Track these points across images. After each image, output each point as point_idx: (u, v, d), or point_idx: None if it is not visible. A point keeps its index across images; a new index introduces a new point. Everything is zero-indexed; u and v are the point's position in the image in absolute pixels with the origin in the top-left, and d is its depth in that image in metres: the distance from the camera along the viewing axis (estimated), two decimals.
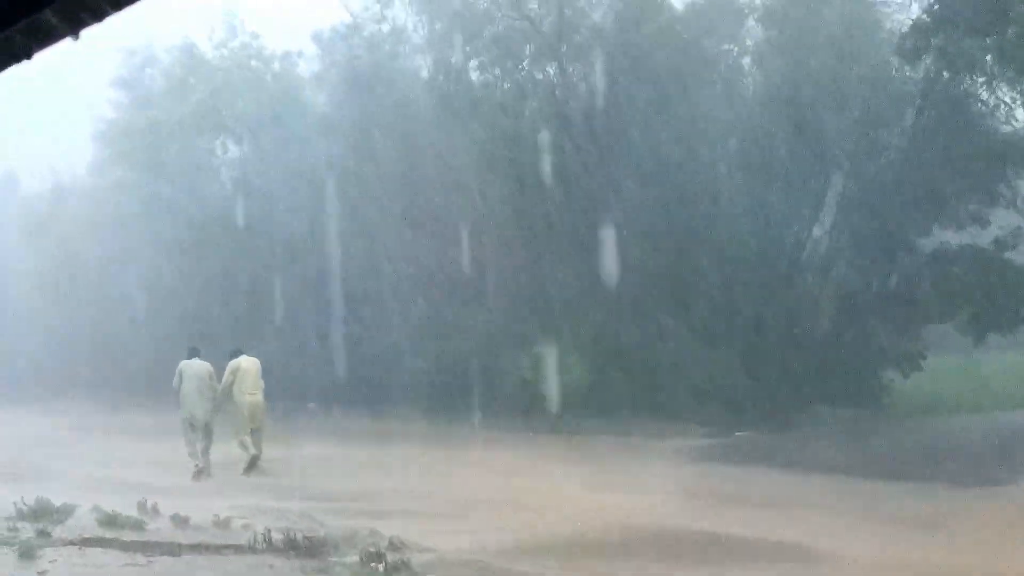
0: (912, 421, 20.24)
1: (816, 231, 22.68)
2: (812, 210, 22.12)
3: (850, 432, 19.24)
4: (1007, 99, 20.58)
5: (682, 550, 9.98)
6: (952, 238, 21.33)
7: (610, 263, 22.52)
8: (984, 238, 20.89)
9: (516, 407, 22.29)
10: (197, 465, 15.73)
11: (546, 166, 22.92)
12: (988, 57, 19.57)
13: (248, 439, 16.07)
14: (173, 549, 9.04)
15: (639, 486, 14.39)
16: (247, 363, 16.60)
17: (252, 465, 15.88)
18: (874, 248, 21.26)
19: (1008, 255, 20.38)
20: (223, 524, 10.37)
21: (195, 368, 16.31)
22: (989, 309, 20.44)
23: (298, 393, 27.69)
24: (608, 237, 22.48)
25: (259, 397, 16.41)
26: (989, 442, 16.52)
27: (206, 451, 16.00)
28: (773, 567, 9.19)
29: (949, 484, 13.50)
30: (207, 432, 16.01)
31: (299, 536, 9.28)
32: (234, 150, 31.10)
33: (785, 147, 21.19)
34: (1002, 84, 20.32)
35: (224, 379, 16.24)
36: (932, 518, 11.59)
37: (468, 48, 25.18)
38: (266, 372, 25.92)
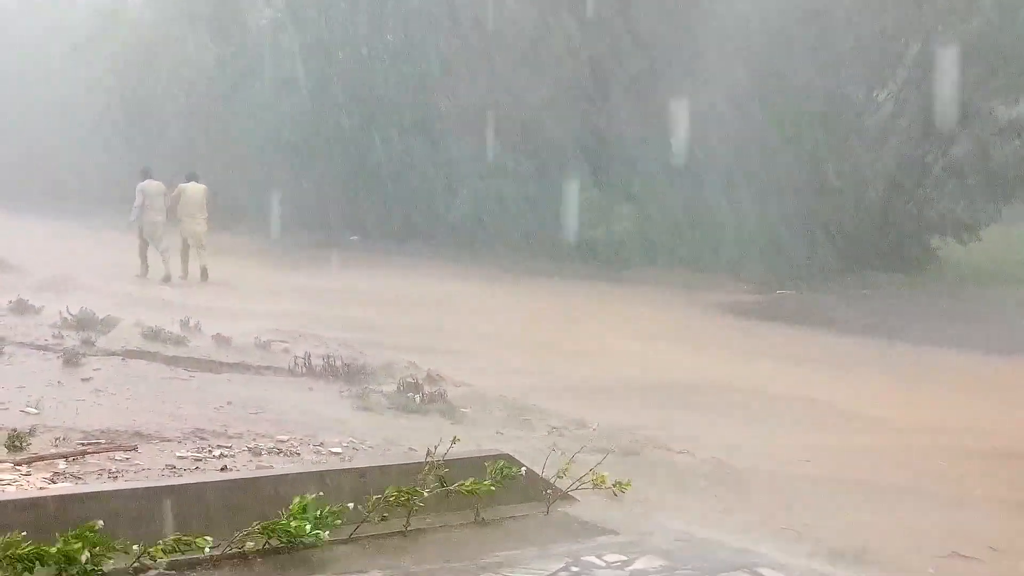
0: (957, 288, 20.03)
1: (882, 94, 21.96)
2: (885, 71, 21.31)
3: (893, 296, 19.09)
4: None
5: (708, 400, 9.96)
6: None
7: (667, 116, 22.02)
8: None
9: (561, 251, 22.22)
10: (145, 269, 17.90)
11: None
12: None
13: (186, 255, 17.88)
14: (214, 367, 9.16)
15: (678, 336, 14.39)
16: (192, 188, 18.14)
17: (167, 279, 17.57)
18: (942, 115, 20.56)
19: None
20: (264, 346, 10.48)
21: (150, 187, 18.04)
22: None
23: (342, 225, 27.81)
24: (667, 89, 21.92)
25: (199, 220, 17.92)
26: None
27: (163, 257, 17.81)
28: (796, 420, 9.16)
29: (986, 350, 13.45)
30: (158, 241, 17.93)
31: (338, 363, 9.36)
32: None
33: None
34: None
35: (171, 198, 17.98)
36: (965, 382, 11.54)
37: None
38: (310, 204, 26.01)
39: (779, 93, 21.03)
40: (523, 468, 5.16)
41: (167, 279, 17.50)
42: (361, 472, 4.88)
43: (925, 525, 6.13)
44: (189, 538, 3.89)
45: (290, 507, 4.29)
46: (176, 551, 3.86)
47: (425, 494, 4.68)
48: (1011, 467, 7.78)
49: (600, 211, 21.81)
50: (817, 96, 21.16)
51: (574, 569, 4.44)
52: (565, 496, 5.31)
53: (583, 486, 5.24)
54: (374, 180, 27.48)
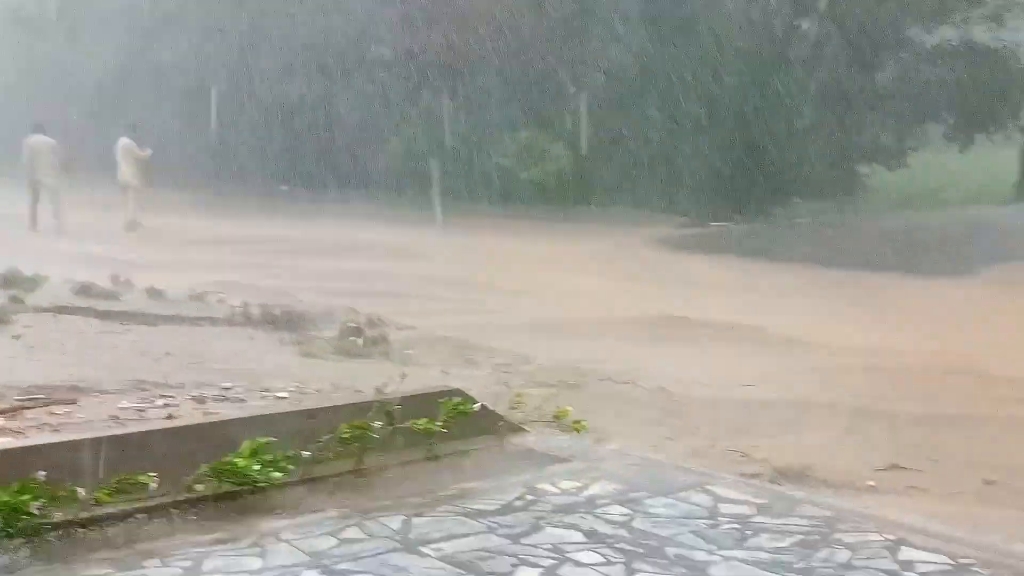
0: (885, 214, 20.36)
1: (806, 23, 22.08)
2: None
3: (824, 224, 19.35)
4: None
5: (648, 331, 10.06)
6: (953, 35, 20.77)
7: (600, 53, 21.93)
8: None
9: (497, 193, 22.15)
10: (34, 221, 18.74)
11: None
12: None
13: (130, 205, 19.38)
14: (149, 319, 8.97)
15: (616, 271, 14.48)
16: (121, 143, 19.70)
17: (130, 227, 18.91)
18: (865, 42, 20.73)
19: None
20: (198, 297, 10.29)
21: (37, 142, 19.24)
22: (981, 111, 20.16)
23: (271, 175, 27.42)
24: (599, 26, 21.80)
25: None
26: (955, 235, 16.65)
27: (55, 212, 18.67)
28: (735, 348, 9.28)
29: (912, 273, 13.80)
30: (51, 195, 18.90)
31: (277, 311, 9.24)
32: None
33: None
34: None
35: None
36: (891, 305, 11.79)
37: None
38: (236, 154, 25.58)
39: (703, 27, 21.03)
40: (477, 404, 5.14)
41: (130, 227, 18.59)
42: (311, 413, 4.83)
43: (865, 441, 6.26)
44: (132, 476, 3.82)
45: (239, 450, 4.24)
46: (121, 491, 3.79)
47: (377, 429, 4.64)
48: (947, 383, 7.97)
49: (534, 151, 21.76)
50: (741, 28, 21.22)
51: (530, 497, 4.46)
52: (517, 429, 5.32)
53: (542, 420, 5.25)
54: (303, 128, 27.04)
